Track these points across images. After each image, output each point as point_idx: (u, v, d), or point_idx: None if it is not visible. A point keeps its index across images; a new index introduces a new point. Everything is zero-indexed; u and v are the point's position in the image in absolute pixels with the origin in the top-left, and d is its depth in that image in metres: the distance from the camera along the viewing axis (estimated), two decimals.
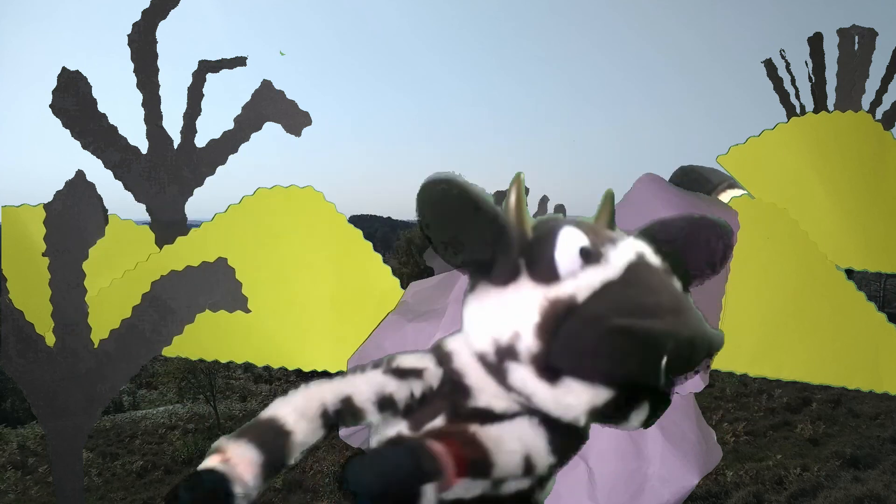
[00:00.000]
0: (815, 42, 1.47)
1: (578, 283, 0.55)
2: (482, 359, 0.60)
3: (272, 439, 0.55)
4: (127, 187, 1.27)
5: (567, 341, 0.54)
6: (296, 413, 0.57)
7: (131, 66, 1.26)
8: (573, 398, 0.55)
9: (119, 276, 1.26)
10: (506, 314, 0.57)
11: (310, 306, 1.29)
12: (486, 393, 0.60)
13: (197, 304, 1.26)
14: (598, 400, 0.55)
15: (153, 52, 1.25)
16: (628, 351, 0.52)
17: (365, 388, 0.60)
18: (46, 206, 1.25)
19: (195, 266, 1.25)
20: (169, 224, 1.28)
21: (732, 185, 1.38)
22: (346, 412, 0.59)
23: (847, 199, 1.35)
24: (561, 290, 0.55)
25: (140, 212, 1.28)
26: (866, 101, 1.45)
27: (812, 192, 1.33)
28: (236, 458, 0.53)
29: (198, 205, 1.34)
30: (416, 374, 0.62)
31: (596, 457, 1.09)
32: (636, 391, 0.56)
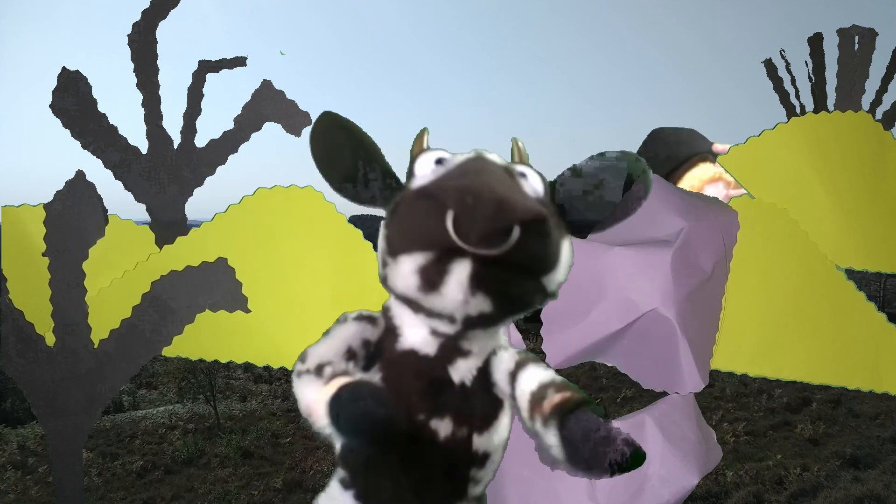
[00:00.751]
0: (815, 42, 1.47)
1: (424, 178, 0.64)
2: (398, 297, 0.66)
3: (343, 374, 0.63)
4: (127, 187, 1.27)
5: (393, 216, 0.63)
6: (336, 357, 0.64)
7: (131, 66, 1.26)
8: (399, 276, 0.61)
9: (119, 276, 1.26)
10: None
11: (310, 306, 1.29)
12: (407, 331, 0.66)
13: (197, 304, 1.26)
14: (418, 262, 0.59)
15: (153, 52, 1.25)
16: (422, 208, 0.58)
17: (356, 333, 0.67)
18: (46, 206, 1.25)
19: (195, 266, 1.25)
20: (169, 224, 1.28)
21: (705, 157, 1.36)
22: (351, 358, 0.65)
23: (847, 199, 1.35)
24: (409, 185, 0.65)
25: (140, 212, 1.28)
26: (866, 101, 1.45)
27: (812, 192, 1.33)
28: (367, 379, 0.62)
29: (198, 205, 1.34)
30: (374, 321, 0.69)
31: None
32: (447, 253, 0.59)
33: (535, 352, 1.23)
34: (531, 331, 1.49)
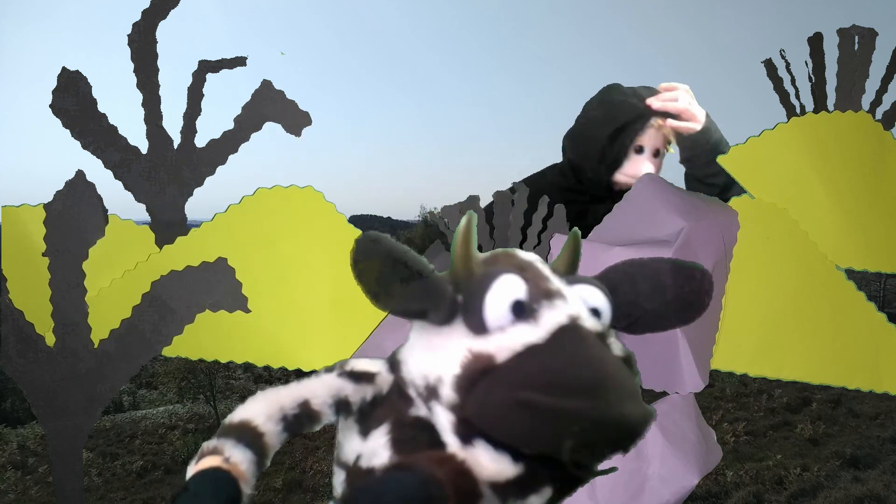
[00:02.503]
0: (815, 42, 1.47)
1: (502, 341, 0.53)
2: (414, 387, 0.59)
3: (254, 439, 0.56)
4: (127, 187, 1.27)
5: (479, 402, 0.53)
6: (262, 416, 0.57)
7: (131, 66, 1.25)
8: (478, 469, 0.53)
9: (119, 276, 1.26)
10: (434, 356, 0.57)
11: (310, 306, 1.29)
12: (425, 406, 0.59)
13: (197, 304, 1.26)
14: (501, 476, 0.53)
15: (153, 52, 1.25)
16: (532, 427, 0.50)
17: (321, 391, 0.60)
18: (46, 206, 1.25)
19: (195, 266, 1.25)
20: (169, 224, 1.28)
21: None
22: (303, 416, 0.59)
23: (847, 199, 1.35)
24: (485, 345, 0.54)
25: (140, 212, 1.28)
26: (866, 101, 1.44)
27: (812, 192, 1.33)
28: (236, 458, 0.53)
29: (198, 205, 1.33)
30: (369, 378, 0.62)
31: None
32: (539, 474, 0.54)
33: None
34: None
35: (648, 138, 1.35)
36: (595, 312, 0.58)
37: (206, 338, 1.29)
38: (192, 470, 0.53)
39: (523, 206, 1.28)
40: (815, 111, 1.43)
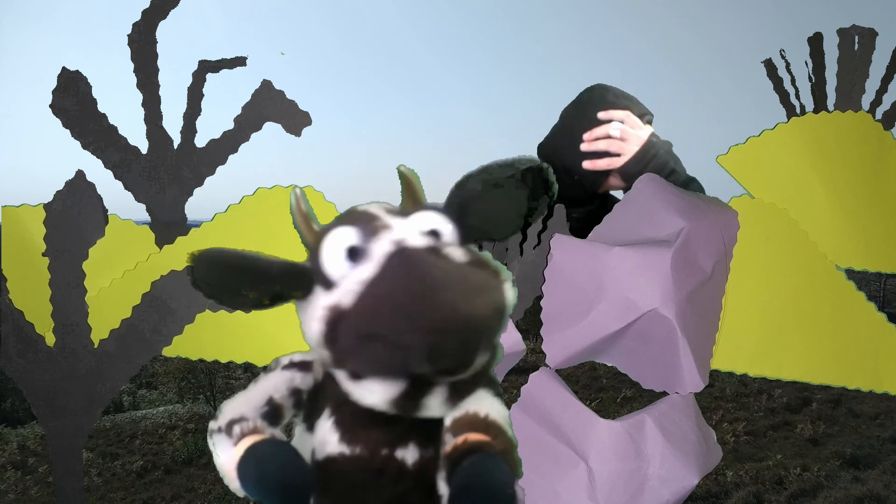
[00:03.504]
0: (815, 42, 1.47)
1: (344, 287, 0.57)
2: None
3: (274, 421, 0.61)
4: (127, 187, 1.27)
5: (339, 349, 0.56)
6: (252, 413, 0.60)
7: (131, 66, 1.26)
8: (370, 395, 0.57)
9: (119, 276, 1.26)
10: (309, 326, 0.60)
11: None
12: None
13: (197, 304, 1.26)
14: (391, 393, 0.56)
15: (153, 52, 1.25)
16: (383, 356, 0.53)
17: (281, 384, 0.63)
18: (46, 206, 1.25)
19: None
20: (169, 224, 1.28)
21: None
22: (272, 412, 0.62)
23: (847, 199, 1.35)
24: (333, 296, 0.57)
25: (140, 212, 1.28)
26: (866, 101, 1.45)
27: (812, 192, 1.33)
28: (279, 436, 0.58)
29: (198, 205, 1.33)
30: (308, 366, 0.66)
31: (596, 457, 1.09)
32: (422, 382, 0.56)
33: (535, 352, 1.23)
34: (531, 331, 1.49)
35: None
36: (434, 233, 0.60)
37: (206, 338, 1.29)
38: (236, 451, 0.56)
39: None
40: (815, 111, 1.44)
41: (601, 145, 1.30)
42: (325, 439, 0.61)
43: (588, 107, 1.36)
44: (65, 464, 1.29)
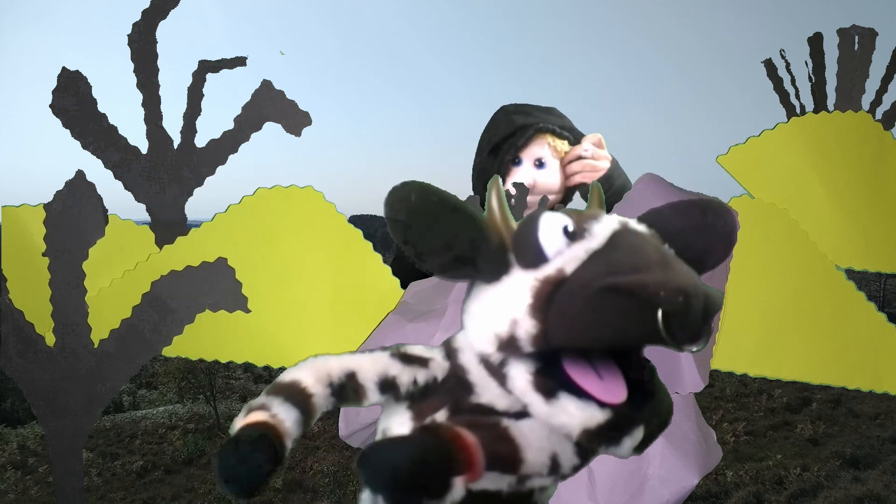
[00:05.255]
0: (815, 42, 1.47)
1: (565, 258, 0.56)
2: (484, 361, 0.60)
3: (302, 399, 0.56)
4: (127, 187, 1.27)
5: (559, 313, 0.53)
6: (312, 378, 0.58)
7: (131, 66, 1.26)
8: (566, 417, 0.54)
9: (119, 276, 1.26)
10: (501, 305, 0.58)
11: (310, 306, 1.29)
12: (488, 391, 0.59)
13: (197, 304, 1.26)
14: (592, 422, 0.54)
15: (153, 52, 1.25)
16: (620, 308, 0.50)
17: (369, 366, 0.60)
18: (46, 206, 1.25)
19: (195, 266, 1.25)
20: (169, 224, 1.28)
21: (548, 131, 1.36)
22: (348, 387, 0.59)
23: (847, 199, 1.35)
24: (549, 268, 0.56)
25: (140, 212, 1.28)
26: (866, 101, 1.45)
27: (812, 192, 1.33)
28: (282, 415, 0.55)
29: (198, 205, 1.33)
30: (422, 362, 0.62)
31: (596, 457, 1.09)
32: (628, 415, 0.55)
33: None
34: None
35: (528, 151, 1.38)
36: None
37: (206, 338, 1.29)
38: (239, 423, 0.54)
39: (523, 207, 1.28)
40: (815, 111, 1.44)
41: (576, 166, 1.37)
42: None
43: (495, 116, 1.44)
44: (65, 464, 1.29)
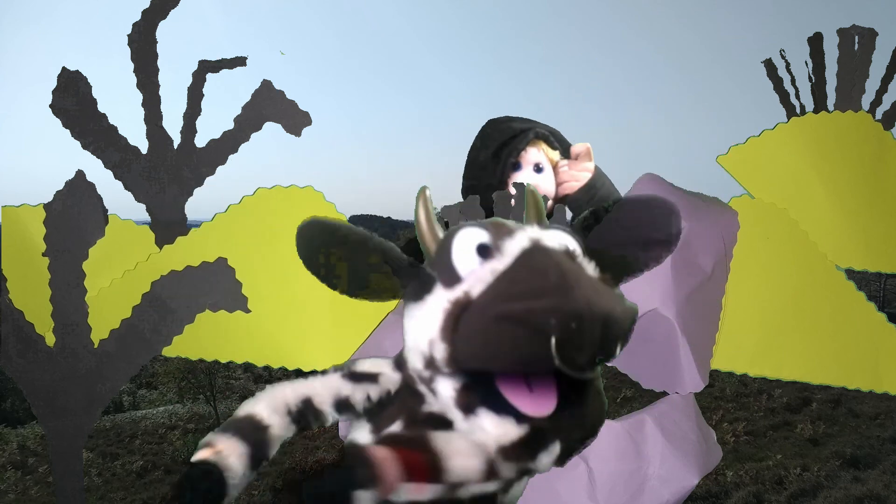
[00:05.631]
0: (815, 42, 1.47)
1: (473, 279, 0.57)
2: (419, 376, 0.61)
3: (253, 433, 0.59)
4: (127, 187, 1.27)
5: (463, 338, 0.55)
6: (268, 409, 0.60)
7: (131, 66, 1.26)
8: (482, 434, 0.55)
9: (119, 276, 1.26)
10: (422, 326, 0.60)
11: (310, 306, 1.29)
12: (438, 401, 0.61)
13: (197, 304, 1.26)
14: (506, 439, 0.55)
15: (153, 52, 1.25)
16: (515, 337, 0.51)
17: (322, 390, 0.63)
18: (46, 206, 1.25)
19: (195, 266, 1.25)
20: (169, 224, 1.28)
21: (543, 138, 1.37)
22: (308, 413, 0.62)
23: (847, 199, 1.35)
24: (459, 290, 0.57)
25: (140, 212, 1.28)
26: (866, 101, 1.45)
27: (812, 192, 1.33)
28: (227, 450, 0.57)
29: (198, 205, 1.33)
30: (371, 378, 0.64)
31: (596, 457, 1.09)
32: (544, 431, 0.55)
33: None
34: None
35: (526, 155, 1.39)
36: (565, 246, 0.60)
37: (206, 338, 1.29)
38: (193, 458, 0.57)
39: (523, 207, 1.28)
40: (815, 111, 1.44)
41: (560, 177, 1.38)
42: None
43: (488, 125, 1.44)
44: (65, 464, 1.29)
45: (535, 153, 1.40)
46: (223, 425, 0.60)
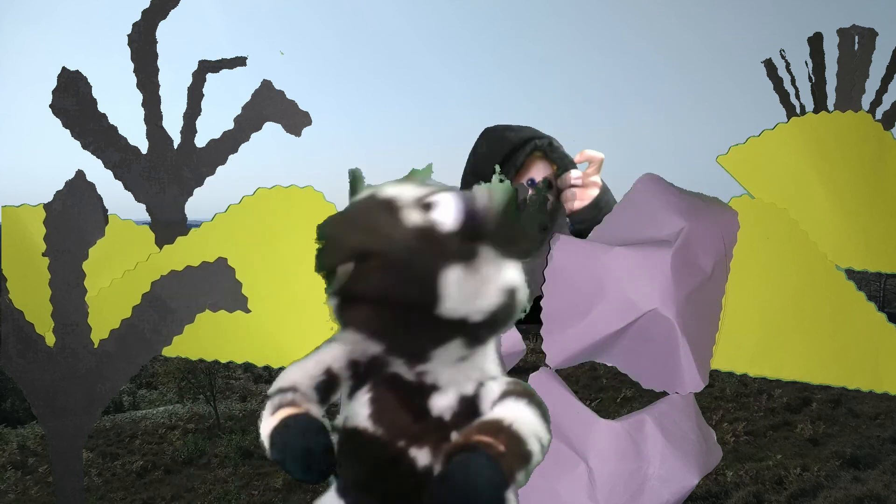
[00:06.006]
0: (815, 42, 1.47)
1: None
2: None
3: (314, 400, 0.64)
4: (127, 187, 1.27)
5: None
6: (306, 382, 0.65)
7: (131, 66, 1.26)
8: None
9: (119, 276, 1.26)
10: None
11: (310, 306, 1.29)
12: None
13: (197, 304, 1.26)
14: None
15: (153, 52, 1.25)
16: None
17: (340, 354, 0.67)
18: (46, 206, 1.25)
19: (195, 266, 1.25)
20: (169, 224, 1.28)
21: (543, 151, 1.36)
22: (328, 382, 0.65)
23: (847, 199, 1.35)
24: None
25: (140, 212, 1.28)
26: (866, 101, 1.45)
27: (812, 192, 1.33)
28: (314, 411, 0.61)
29: (198, 205, 1.34)
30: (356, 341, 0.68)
31: (596, 457, 1.09)
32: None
33: (535, 352, 1.23)
34: (531, 331, 1.49)
35: (535, 169, 1.38)
36: (426, 206, 0.60)
37: (206, 338, 1.29)
38: (271, 421, 0.59)
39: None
40: (815, 111, 1.44)
41: (567, 194, 1.35)
42: (357, 411, 0.63)
43: (493, 132, 1.43)
44: (65, 464, 1.29)
45: (541, 164, 1.39)
46: (281, 389, 0.63)
